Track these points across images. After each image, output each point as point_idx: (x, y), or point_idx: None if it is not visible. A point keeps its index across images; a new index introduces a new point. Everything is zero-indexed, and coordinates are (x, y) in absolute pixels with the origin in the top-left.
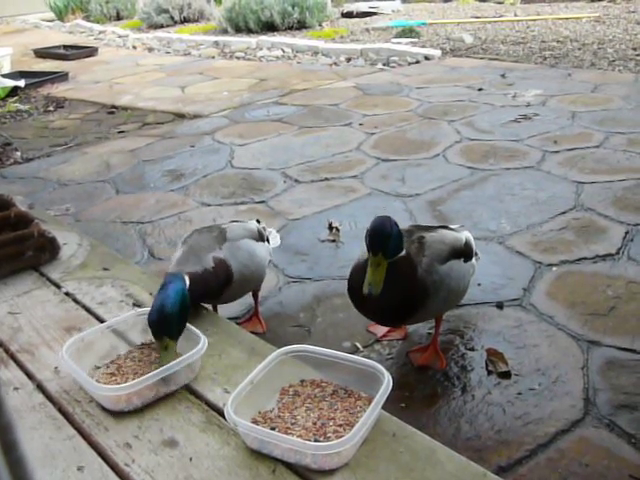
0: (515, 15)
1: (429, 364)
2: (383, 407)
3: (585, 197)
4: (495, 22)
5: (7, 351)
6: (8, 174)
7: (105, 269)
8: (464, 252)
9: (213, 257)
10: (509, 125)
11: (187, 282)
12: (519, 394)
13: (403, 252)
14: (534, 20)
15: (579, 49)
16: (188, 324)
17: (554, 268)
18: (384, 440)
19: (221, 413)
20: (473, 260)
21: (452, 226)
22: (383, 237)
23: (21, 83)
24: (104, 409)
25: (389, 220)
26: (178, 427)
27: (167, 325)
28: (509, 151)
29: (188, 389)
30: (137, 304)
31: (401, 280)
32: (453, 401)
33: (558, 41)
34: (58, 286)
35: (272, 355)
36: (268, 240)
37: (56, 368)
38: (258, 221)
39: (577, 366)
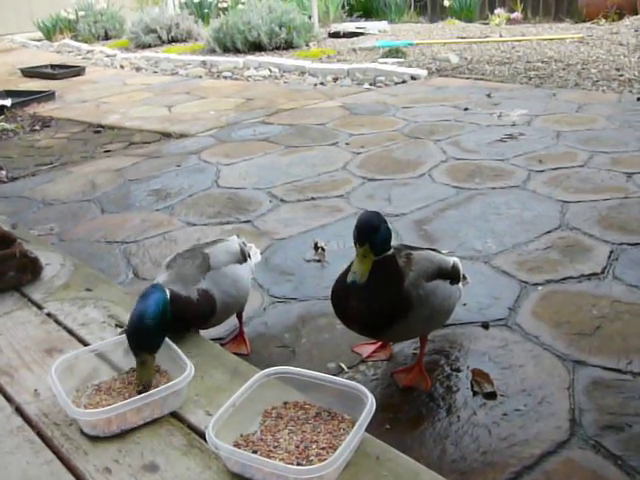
0: (500, 36)
1: (414, 385)
2: (367, 429)
3: (570, 216)
4: (481, 42)
5: None
6: None
7: (88, 290)
8: (451, 274)
9: (197, 289)
10: (495, 144)
11: (168, 295)
12: (505, 415)
13: (391, 250)
14: (519, 41)
15: (563, 69)
16: (175, 347)
17: (540, 287)
18: (368, 463)
19: (203, 436)
20: (460, 285)
21: (442, 251)
22: (370, 229)
23: (7, 102)
24: (84, 432)
25: (377, 214)
26: (159, 451)
27: (146, 339)
28: (495, 170)
29: (170, 412)
30: (120, 325)
31: (386, 286)
32: (438, 422)
33: (543, 61)
34: (40, 307)
35: (255, 377)
36: (249, 256)
37: (36, 390)
38: (237, 235)
39: (563, 386)
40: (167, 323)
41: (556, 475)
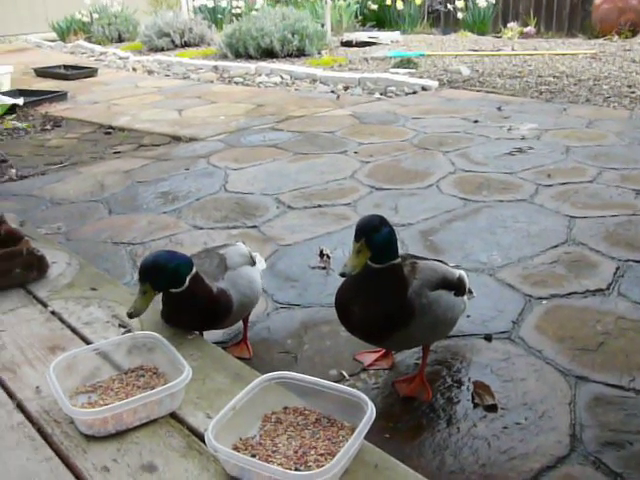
0: (513, 49)
1: (415, 395)
2: (366, 437)
3: (577, 231)
4: (493, 56)
5: None
6: (2, 191)
7: (93, 289)
8: (455, 285)
9: (217, 287)
10: (503, 158)
11: (194, 269)
12: (505, 428)
13: (398, 260)
14: (531, 55)
15: (575, 85)
16: (174, 350)
17: (544, 302)
18: (366, 471)
19: (202, 438)
20: (465, 297)
21: (450, 264)
22: (368, 227)
23: (20, 101)
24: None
25: (380, 217)
26: (158, 451)
27: (155, 273)
28: (503, 183)
29: (170, 413)
30: (123, 325)
31: (390, 293)
32: (438, 433)
33: (554, 76)
34: (45, 305)
35: (256, 381)
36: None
37: (37, 387)
38: (243, 242)
39: (564, 401)
40: (180, 277)
41: None
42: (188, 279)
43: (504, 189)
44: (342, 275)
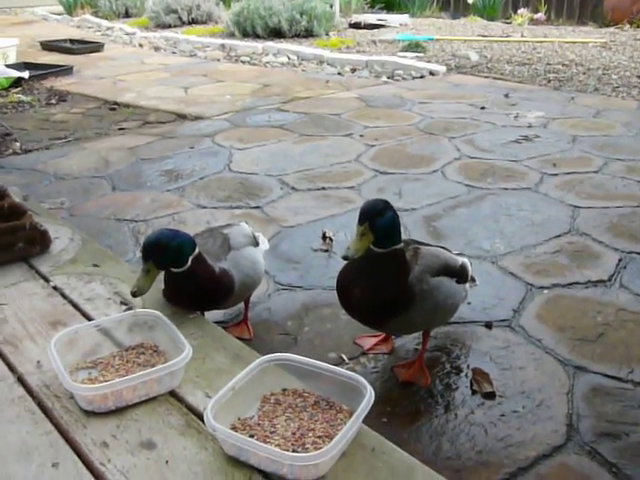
0: (522, 36)
1: (414, 380)
2: (364, 421)
3: (581, 222)
4: (502, 42)
5: None
6: (6, 164)
7: (95, 265)
8: (458, 273)
9: (219, 267)
10: (509, 145)
11: (197, 249)
12: (502, 416)
13: (401, 245)
14: (541, 42)
15: (584, 73)
16: (175, 328)
17: (545, 291)
18: (363, 455)
19: (201, 417)
20: (467, 285)
21: (453, 251)
22: (372, 211)
23: (25, 74)
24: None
25: (385, 202)
26: (157, 429)
27: (158, 252)
28: (508, 171)
29: (169, 391)
30: (125, 302)
31: (391, 277)
32: (435, 419)
33: (563, 64)
34: (47, 279)
35: (255, 362)
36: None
37: (38, 362)
38: (246, 222)
39: (562, 391)
40: (182, 255)
41: (550, 478)
42: (190, 259)
43: (509, 177)
44: (344, 258)
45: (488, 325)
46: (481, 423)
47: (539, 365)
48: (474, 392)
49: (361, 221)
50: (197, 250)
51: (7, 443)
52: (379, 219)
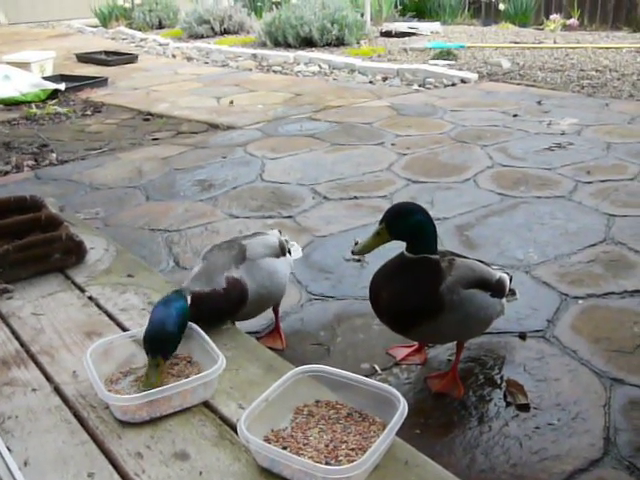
0: (555, 42)
1: (447, 391)
2: (397, 433)
3: (616, 230)
4: (534, 48)
5: (28, 352)
6: (42, 175)
7: (129, 276)
8: (493, 287)
9: (226, 277)
10: (542, 153)
11: (189, 301)
12: (537, 428)
13: (434, 254)
14: (574, 48)
15: (618, 79)
16: (208, 339)
17: (580, 301)
18: (396, 467)
19: (234, 428)
20: (503, 300)
21: (493, 266)
22: (392, 212)
23: (61, 86)
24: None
25: (415, 206)
26: (190, 440)
27: (163, 345)
28: (541, 179)
29: (203, 402)
30: None
31: (421, 284)
32: (469, 431)
33: (597, 70)
34: (82, 290)
35: (288, 374)
36: (290, 252)
37: (74, 372)
38: (280, 231)
39: (598, 404)
40: (184, 331)
41: None
42: (186, 324)
43: (542, 185)
44: (352, 253)
45: (522, 336)
46: (515, 436)
47: (574, 377)
48: (508, 404)
49: (381, 220)
50: (189, 300)
51: (44, 452)
52: (397, 220)
